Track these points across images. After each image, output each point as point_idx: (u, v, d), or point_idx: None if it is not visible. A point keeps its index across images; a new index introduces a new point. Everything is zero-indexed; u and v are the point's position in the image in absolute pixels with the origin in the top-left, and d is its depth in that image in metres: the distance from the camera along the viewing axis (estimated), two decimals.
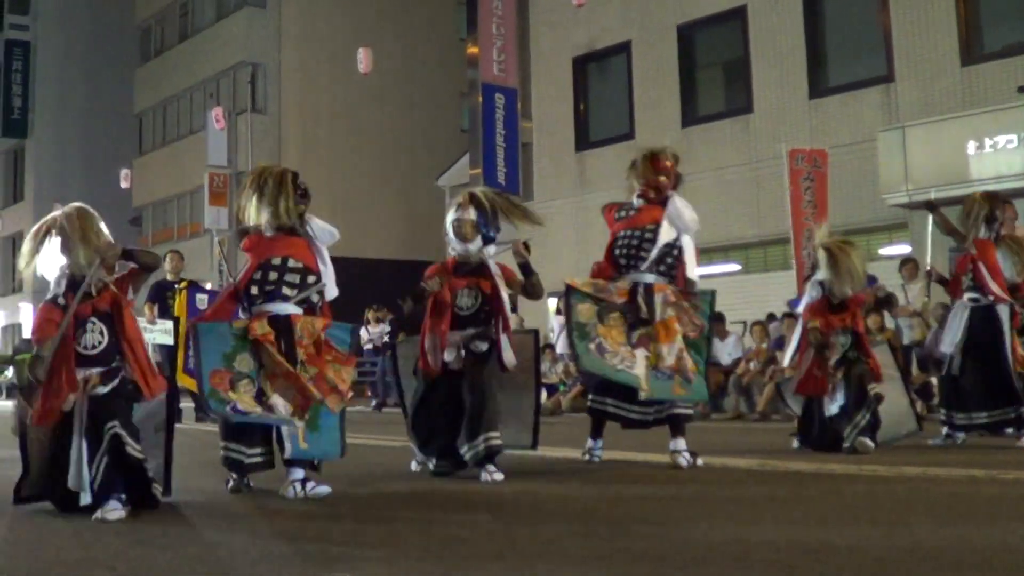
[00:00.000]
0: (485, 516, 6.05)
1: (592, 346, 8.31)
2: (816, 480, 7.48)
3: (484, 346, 7.99)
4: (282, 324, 6.96)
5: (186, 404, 17.56)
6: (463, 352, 7.99)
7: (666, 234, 8.45)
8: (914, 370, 15.78)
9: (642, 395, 8.27)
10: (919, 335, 15.72)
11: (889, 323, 16.54)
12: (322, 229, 7.23)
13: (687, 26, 24.97)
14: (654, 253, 8.44)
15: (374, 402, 25.38)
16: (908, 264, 16.68)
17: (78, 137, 54.33)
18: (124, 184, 45.01)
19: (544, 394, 21.19)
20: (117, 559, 4.83)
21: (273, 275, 7.02)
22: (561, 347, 21.97)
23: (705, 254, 24.45)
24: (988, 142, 18.36)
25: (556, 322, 22.76)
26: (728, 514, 5.95)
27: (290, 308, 7.01)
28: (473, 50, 28.39)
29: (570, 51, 27.45)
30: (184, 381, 16.72)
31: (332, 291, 7.28)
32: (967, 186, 17.83)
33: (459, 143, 37.84)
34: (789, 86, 22.64)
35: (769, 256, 22.55)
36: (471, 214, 8.12)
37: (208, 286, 23.69)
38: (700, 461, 8.33)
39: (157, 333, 16.25)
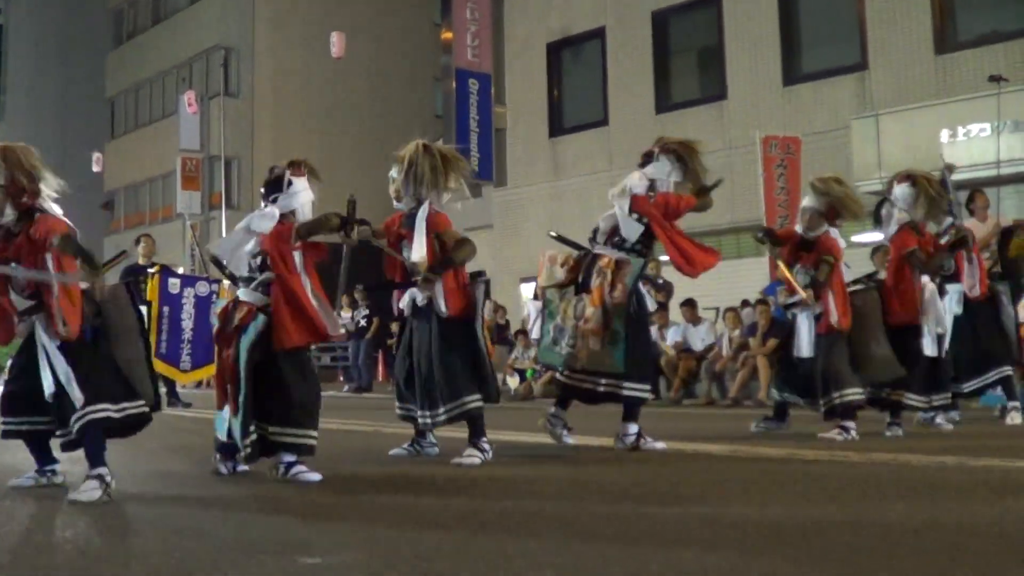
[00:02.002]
0: (458, 499, 6.06)
1: (551, 331, 8.92)
2: (787, 465, 7.49)
3: (422, 299, 8.01)
4: None
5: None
6: (414, 302, 8.08)
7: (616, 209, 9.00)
8: None
9: (578, 364, 8.71)
10: None
11: None
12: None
13: (661, 12, 24.97)
14: (602, 226, 9.07)
15: (347, 387, 25.38)
16: (880, 251, 16.70)
17: (50, 120, 54.04)
18: (96, 168, 44.80)
19: (516, 379, 21.33)
20: (88, 543, 4.81)
21: None
22: (535, 332, 22.01)
23: None
24: (961, 130, 18.42)
25: (532, 307, 22.78)
26: (699, 497, 5.97)
27: None
28: (447, 35, 28.36)
29: (544, 37, 27.42)
30: (156, 366, 16.62)
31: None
32: (940, 174, 17.88)
33: (433, 128, 37.73)
34: (763, 73, 22.67)
35: (742, 243, 22.56)
36: (397, 172, 8.16)
37: (180, 270, 23.67)
38: (661, 445, 8.63)
39: None
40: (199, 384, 22.52)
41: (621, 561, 4.12)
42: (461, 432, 8.08)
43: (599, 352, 8.61)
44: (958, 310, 10.93)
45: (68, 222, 6.26)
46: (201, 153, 38.96)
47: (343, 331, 25.55)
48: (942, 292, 10.46)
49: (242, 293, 7.08)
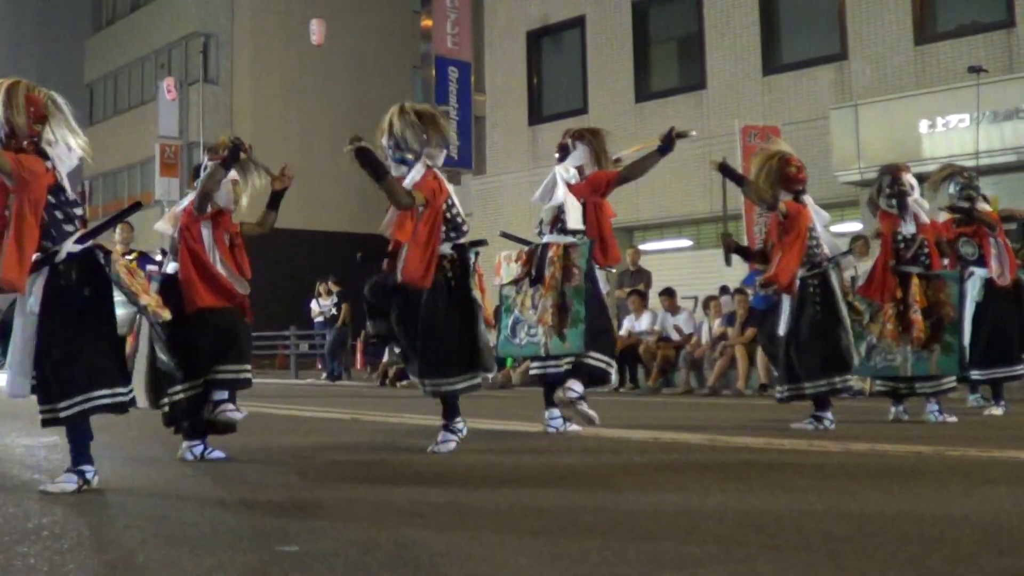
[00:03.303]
0: (436, 488, 6.06)
1: (509, 323, 9.31)
2: (765, 455, 7.51)
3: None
4: None
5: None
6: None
7: (555, 199, 9.19)
8: None
9: (542, 352, 9.10)
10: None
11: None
12: None
13: (641, 1, 24.97)
14: (545, 217, 9.32)
15: (324, 374, 25.42)
16: (859, 241, 16.74)
17: None
18: None
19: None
20: (66, 530, 4.80)
21: None
22: None
23: (657, 229, 24.60)
24: (940, 121, 18.48)
25: None
26: (676, 488, 5.97)
27: None
28: (427, 23, 28.32)
29: (524, 25, 27.40)
30: None
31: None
32: (919, 164, 17.92)
33: None
34: (743, 63, 22.69)
35: (721, 232, 22.62)
36: (382, 140, 8.11)
37: (158, 257, 23.61)
38: (575, 428, 9.12)
39: None
40: None
41: (598, 551, 4.12)
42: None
43: (560, 338, 8.91)
44: (979, 297, 11.07)
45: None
46: (180, 140, 38.85)
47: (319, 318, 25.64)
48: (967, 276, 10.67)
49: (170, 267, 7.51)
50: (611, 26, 25.32)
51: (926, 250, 10.23)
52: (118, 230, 17.31)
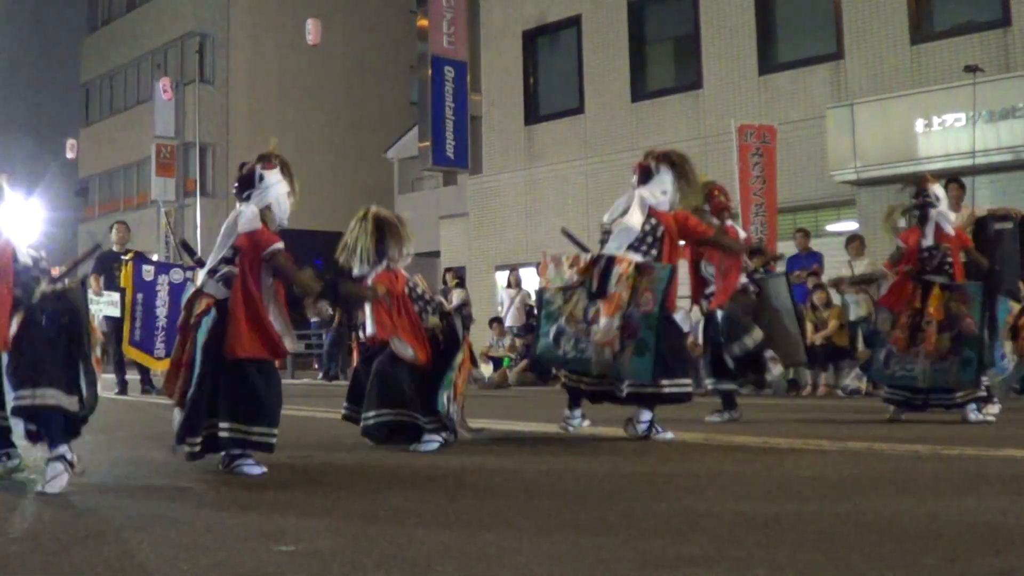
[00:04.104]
0: (431, 488, 6.06)
1: (552, 331, 8.64)
2: (761, 454, 7.51)
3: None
4: None
5: (132, 376, 17.47)
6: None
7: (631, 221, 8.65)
8: (860, 346, 15.95)
9: (593, 370, 8.53)
10: (865, 311, 15.84)
11: (836, 299, 16.67)
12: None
13: (637, 1, 24.96)
14: (614, 230, 8.73)
15: (321, 374, 25.44)
16: (855, 241, 16.79)
17: (24, 107, 53.81)
18: (70, 154, 44.65)
19: (490, 367, 21.36)
20: (62, 530, 4.80)
21: None
22: (510, 320, 22.04)
23: None
24: (936, 120, 18.47)
25: (505, 295, 22.83)
26: (673, 487, 5.98)
27: None
28: (423, 23, 28.30)
29: (520, 24, 27.39)
30: (130, 353, 16.67)
31: None
32: (915, 164, 17.99)
33: (408, 116, 37.79)
34: (739, 62, 22.69)
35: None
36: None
37: (155, 257, 23.62)
38: (669, 435, 8.57)
39: (104, 304, 16.15)
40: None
41: (594, 551, 4.12)
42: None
43: (620, 362, 8.37)
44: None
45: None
46: (176, 140, 38.86)
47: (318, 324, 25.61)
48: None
49: (205, 283, 6.88)
50: (607, 26, 25.31)
51: (950, 260, 10.18)
52: (114, 230, 17.34)
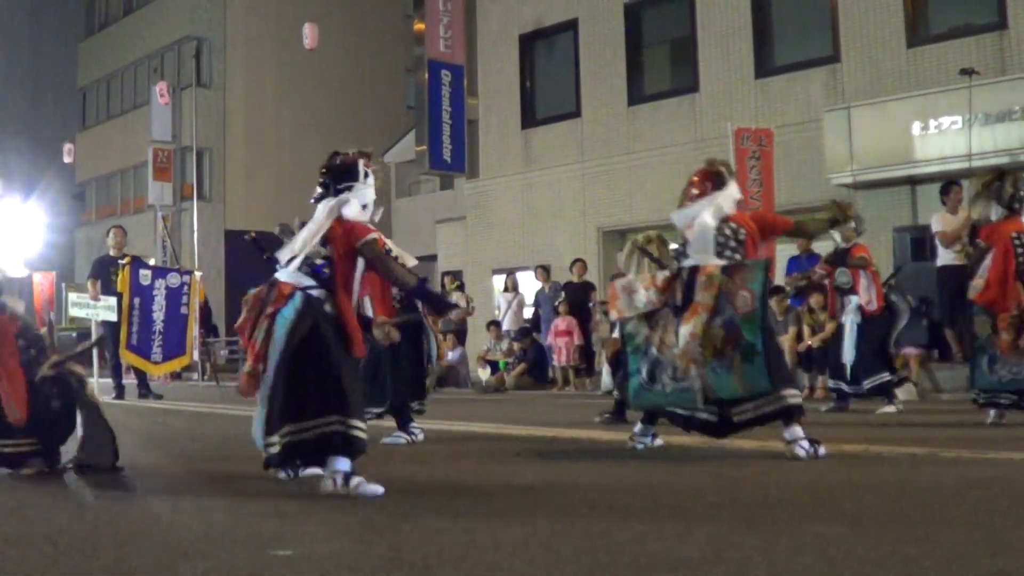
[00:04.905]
0: (428, 492, 6.06)
1: (645, 368, 7.90)
2: (759, 457, 7.51)
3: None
4: None
5: (128, 381, 17.47)
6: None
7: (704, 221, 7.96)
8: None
9: (699, 400, 7.68)
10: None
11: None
12: None
13: (634, 4, 24.94)
14: (690, 237, 8.00)
15: None
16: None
17: (21, 111, 53.76)
18: (67, 159, 44.60)
19: (488, 371, 21.36)
20: (60, 534, 4.80)
21: None
22: (507, 323, 22.03)
23: (654, 231, 24.49)
24: (933, 123, 18.47)
25: (502, 299, 22.81)
26: (671, 490, 5.98)
27: None
28: (419, 26, 28.28)
29: (517, 28, 27.38)
30: (127, 357, 16.67)
31: None
32: (911, 167, 18.01)
33: (405, 120, 37.75)
34: (735, 65, 22.68)
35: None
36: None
37: (152, 262, 23.59)
38: (822, 450, 7.39)
39: (100, 309, 16.16)
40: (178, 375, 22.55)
41: (592, 551, 4.12)
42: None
43: (730, 376, 7.55)
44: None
45: None
46: (173, 144, 38.84)
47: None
48: None
49: (282, 274, 6.30)
50: (604, 29, 25.31)
51: None
52: (111, 234, 17.33)
